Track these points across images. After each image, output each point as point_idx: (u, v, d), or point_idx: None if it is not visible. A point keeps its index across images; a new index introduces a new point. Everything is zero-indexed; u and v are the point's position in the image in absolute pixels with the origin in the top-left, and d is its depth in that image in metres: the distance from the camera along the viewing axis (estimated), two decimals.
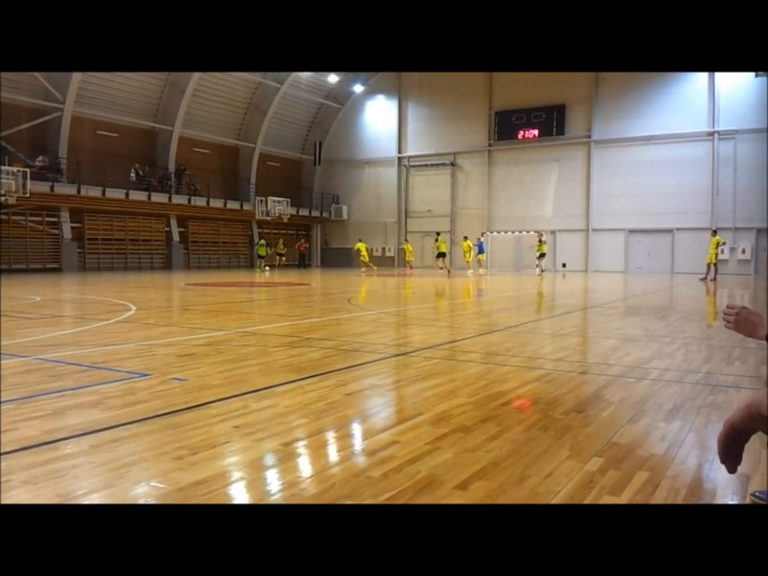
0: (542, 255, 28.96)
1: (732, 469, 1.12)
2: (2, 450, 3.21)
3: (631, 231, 32.16)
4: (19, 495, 2.63)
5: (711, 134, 30.21)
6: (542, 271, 28.46)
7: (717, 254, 24.46)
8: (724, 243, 26.17)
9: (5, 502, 2.57)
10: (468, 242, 29.99)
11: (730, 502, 2.74)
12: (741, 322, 1.80)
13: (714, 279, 23.50)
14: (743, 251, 29.46)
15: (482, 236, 32.94)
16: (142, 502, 2.65)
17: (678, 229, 30.98)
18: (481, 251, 30.05)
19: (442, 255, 29.43)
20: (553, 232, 33.68)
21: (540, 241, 29.23)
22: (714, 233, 25.34)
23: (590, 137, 33.05)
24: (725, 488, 2.86)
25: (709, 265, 24.21)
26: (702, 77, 30.08)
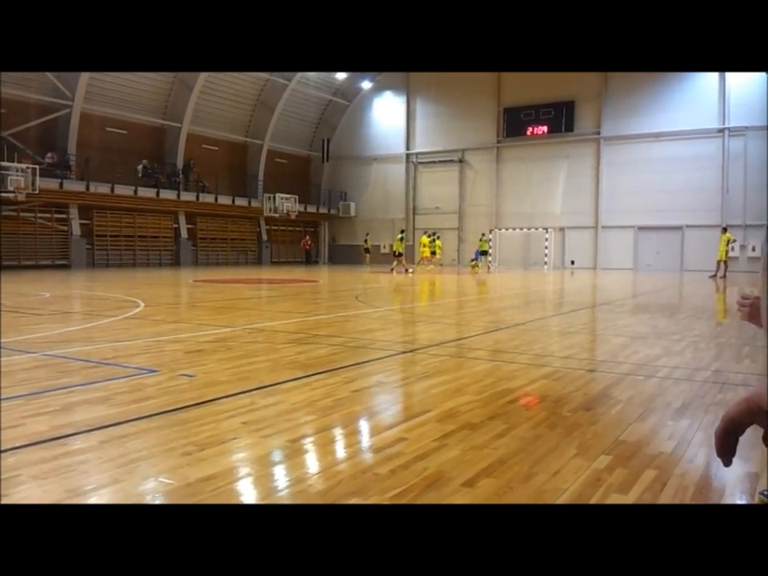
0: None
1: (728, 462, 1.13)
2: (12, 446, 3.23)
3: (640, 228, 32.01)
4: (28, 490, 2.65)
5: (721, 130, 30.01)
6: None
7: (727, 252, 24.32)
8: (734, 240, 26.04)
9: (14, 496, 2.59)
10: (424, 237, 30.35)
11: (738, 501, 2.73)
12: (754, 312, 1.81)
13: (724, 276, 23.38)
14: (753, 249, 29.25)
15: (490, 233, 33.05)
16: (149, 497, 2.66)
17: (687, 226, 30.82)
18: (476, 258, 30.35)
19: (398, 256, 27.32)
20: (561, 229, 33.57)
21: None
22: (725, 230, 25.20)
23: (599, 133, 32.91)
24: (733, 487, 2.84)
25: (719, 262, 24.08)
26: (712, 74, 29.88)
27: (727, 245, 24.26)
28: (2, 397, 4.24)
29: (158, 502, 2.62)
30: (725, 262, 24.05)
